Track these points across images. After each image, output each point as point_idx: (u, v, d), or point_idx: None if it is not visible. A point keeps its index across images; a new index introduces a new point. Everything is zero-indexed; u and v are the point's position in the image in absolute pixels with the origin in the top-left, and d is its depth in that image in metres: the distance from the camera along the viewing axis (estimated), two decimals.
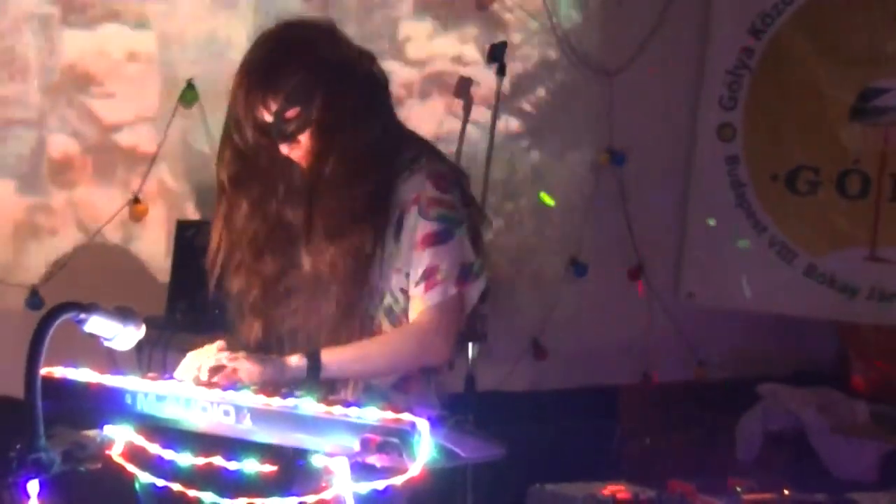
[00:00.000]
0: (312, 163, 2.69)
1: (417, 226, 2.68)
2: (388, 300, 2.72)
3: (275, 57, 2.67)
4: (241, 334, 2.80)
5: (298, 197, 2.71)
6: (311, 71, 2.65)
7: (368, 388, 2.73)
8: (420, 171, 2.71)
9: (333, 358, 2.65)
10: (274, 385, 2.50)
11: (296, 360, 2.64)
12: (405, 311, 2.71)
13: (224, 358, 2.62)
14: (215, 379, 2.56)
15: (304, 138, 2.69)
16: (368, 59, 2.76)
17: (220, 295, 2.83)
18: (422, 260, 2.67)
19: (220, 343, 2.70)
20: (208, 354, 2.66)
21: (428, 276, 2.67)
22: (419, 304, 2.68)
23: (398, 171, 2.72)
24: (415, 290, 2.68)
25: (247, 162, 2.72)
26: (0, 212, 4.58)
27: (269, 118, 2.67)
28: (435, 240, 2.68)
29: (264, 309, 2.77)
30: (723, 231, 6.00)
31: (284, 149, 2.70)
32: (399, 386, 2.75)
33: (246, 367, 2.60)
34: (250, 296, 2.78)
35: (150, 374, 2.40)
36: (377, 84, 2.75)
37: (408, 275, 2.69)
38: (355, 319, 2.70)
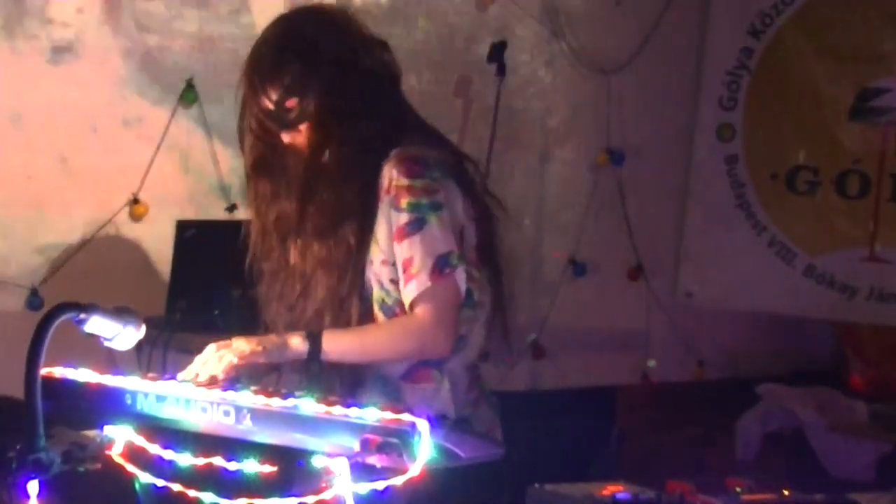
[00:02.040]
0: (308, 156, 2.70)
1: (391, 218, 2.68)
2: (380, 293, 2.73)
3: (277, 47, 2.69)
4: (269, 321, 2.80)
5: (294, 190, 2.73)
6: (309, 64, 2.67)
7: (382, 377, 2.75)
8: (393, 158, 2.68)
9: (334, 342, 2.65)
10: (273, 361, 2.56)
11: (297, 342, 2.64)
12: (398, 303, 2.72)
13: (214, 353, 2.62)
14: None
15: (305, 128, 2.70)
16: (378, 49, 2.76)
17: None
18: (400, 252, 2.67)
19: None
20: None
21: (405, 268, 2.67)
22: (405, 297, 2.68)
23: (382, 163, 2.71)
24: (401, 283, 2.69)
25: (265, 147, 2.74)
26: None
27: (270, 106, 2.69)
28: (407, 231, 2.66)
29: (289, 295, 2.78)
30: (722, 231, 6.00)
31: (286, 137, 2.72)
32: (408, 376, 2.76)
33: (240, 347, 2.60)
34: (278, 282, 2.78)
35: (150, 375, 2.40)
36: (381, 76, 2.74)
37: (394, 265, 2.70)
38: (346, 313, 2.71)
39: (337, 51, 2.69)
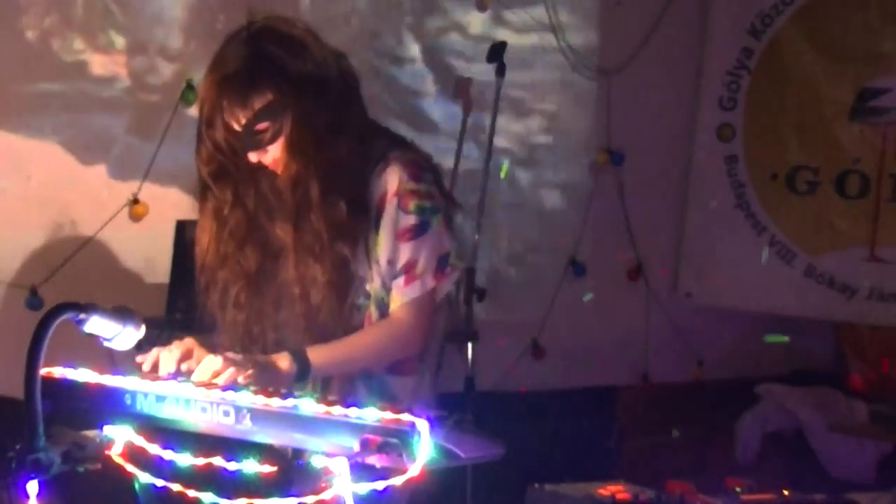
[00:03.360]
0: (293, 183, 2.70)
1: (398, 219, 2.72)
2: (380, 292, 2.76)
3: (246, 73, 2.65)
4: (225, 328, 2.81)
5: (283, 215, 2.73)
6: (281, 91, 2.65)
7: (368, 375, 2.78)
8: (393, 163, 2.74)
9: (320, 358, 2.69)
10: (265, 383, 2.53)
11: (285, 365, 2.66)
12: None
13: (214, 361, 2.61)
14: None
15: (273, 147, 2.70)
16: (339, 61, 2.77)
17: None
18: (402, 252, 2.73)
19: (188, 340, 2.70)
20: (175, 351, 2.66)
21: (407, 269, 2.73)
22: (398, 297, 2.74)
23: (371, 168, 2.75)
24: (394, 281, 2.74)
25: (224, 158, 2.74)
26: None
27: (237, 127, 2.69)
28: (414, 233, 2.73)
29: (247, 302, 2.79)
30: (722, 231, 6.00)
31: (253, 156, 2.72)
32: (394, 369, 2.80)
33: (232, 370, 2.59)
34: (235, 288, 2.80)
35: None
36: (349, 90, 2.76)
37: (390, 262, 2.73)
38: (341, 322, 2.74)
39: (306, 73, 2.68)
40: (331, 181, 2.69)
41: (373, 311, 2.77)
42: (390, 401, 2.65)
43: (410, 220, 2.72)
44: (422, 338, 2.78)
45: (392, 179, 2.73)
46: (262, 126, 2.67)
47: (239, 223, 2.78)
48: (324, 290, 2.71)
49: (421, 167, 2.76)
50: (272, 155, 2.71)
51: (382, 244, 2.73)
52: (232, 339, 2.79)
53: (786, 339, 5.95)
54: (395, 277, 2.73)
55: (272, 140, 2.68)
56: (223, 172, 2.75)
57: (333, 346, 2.72)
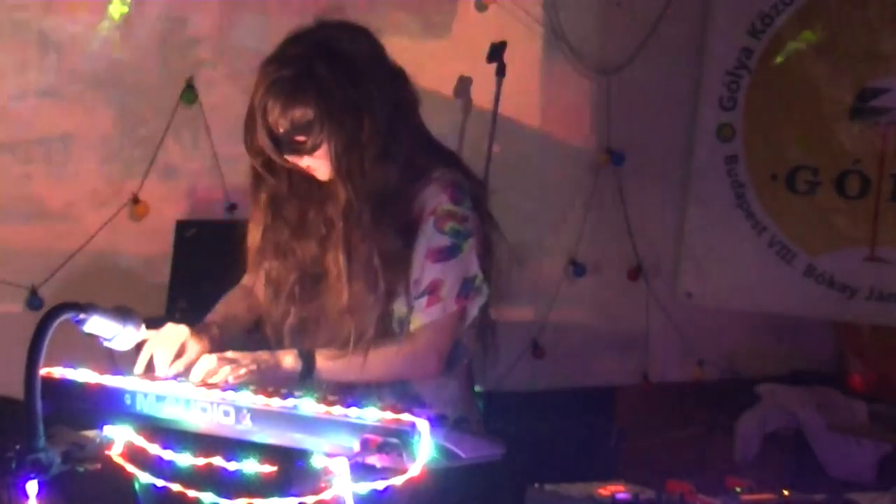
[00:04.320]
0: (343, 213, 2.68)
1: (432, 238, 2.71)
2: (403, 309, 2.74)
3: (292, 84, 2.63)
4: (273, 318, 2.80)
5: (334, 243, 2.72)
6: (321, 116, 2.63)
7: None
8: (437, 182, 2.72)
9: (327, 364, 2.67)
10: (264, 382, 2.52)
11: (290, 362, 2.65)
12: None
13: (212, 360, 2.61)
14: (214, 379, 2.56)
15: (310, 158, 2.69)
16: (396, 81, 2.74)
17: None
18: (428, 273, 2.70)
19: (183, 328, 2.69)
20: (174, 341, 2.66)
21: (432, 290, 2.70)
22: (418, 318, 2.71)
23: (414, 186, 2.73)
24: (417, 301, 2.71)
25: (268, 153, 2.73)
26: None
27: (279, 130, 2.67)
28: (444, 255, 2.71)
29: (299, 295, 2.78)
30: (722, 231, 6.00)
31: (290, 158, 2.70)
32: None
33: (237, 367, 2.59)
34: (288, 280, 2.78)
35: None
36: (401, 114, 2.72)
37: (416, 281, 2.71)
38: (372, 338, 2.72)
39: (352, 102, 2.64)
40: (381, 210, 2.68)
41: (393, 325, 2.75)
42: (413, 400, 2.68)
43: (444, 241, 2.70)
44: (438, 360, 2.73)
45: (431, 199, 2.71)
46: (299, 138, 2.66)
47: (292, 216, 2.77)
48: (371, 316, 2.69)
49: (461, 189, 2.73)
50: (308, 163, 2.70)
51: (413, 262, 2.71)
52: (280, 328, 2.78)
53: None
54: (419, 297, 2.71)
55: (309, 152, 2.67)
56: (274, 166, 2.74)
57: (345, 354, 2.69)
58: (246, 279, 2.96)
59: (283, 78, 2.64)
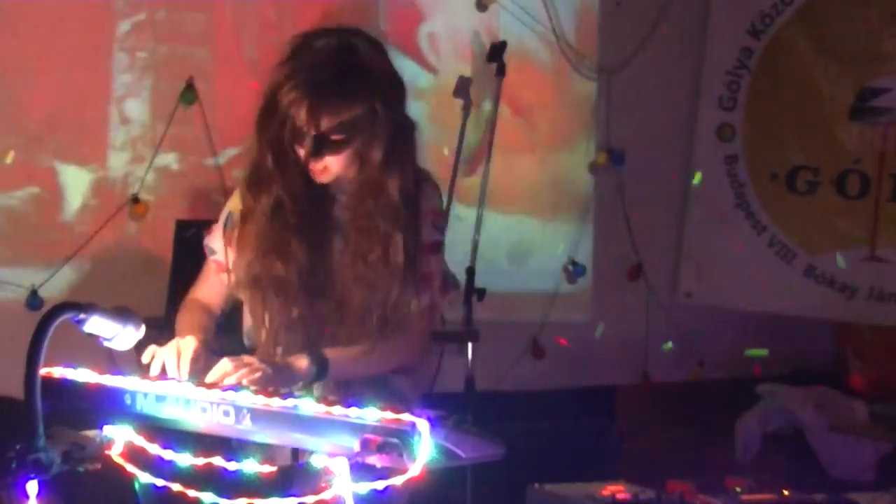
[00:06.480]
0: (356, 207, 2.77)
1: (430, 233, 2.84)
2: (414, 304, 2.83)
3: (347, 84, 2.70)
4: (272, 319, 2.81)
5: (350, 250, 2.78)
6: (373, 107, 2.71)
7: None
8: (430, 185, 2.89)
9: (338, 362, 2.72)
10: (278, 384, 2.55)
11: (304, 364, 2.68)
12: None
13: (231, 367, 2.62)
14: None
15: (331, 159, 2.73)
16: (406, 95, 2.85)
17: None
18: (424, 264, 2.82)
19: (191, 339, 2.70)
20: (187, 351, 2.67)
21: (426, 279, 2.82)
22: (412, 304, 2.80)
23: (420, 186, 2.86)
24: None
25: (282, 150, 2.76)
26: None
27: (310, 130, 2.69)
28: (436, 249, 2.86)
29: (300, 294, 2.80)
30: (722, 231, 6.00)
31: (309, 160, 2.73)
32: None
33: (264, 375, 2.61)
34: (288, 277, 2.80)
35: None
36: (413, 123, 2.85)
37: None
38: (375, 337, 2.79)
39: (396, 102, 2.78)
40: (397, 210, 2.77)
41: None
42: (395, 396, 2.73)
43: (437, 236, 2.87)
44: (424, 346, 2.89)
45: (429, 197, 2.86)
46: (337, 137, 2.69)
47: (290, 219, 2.79)
48: (359, 317, 2.77)
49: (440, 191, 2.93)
50: (325, 164, 2.74)
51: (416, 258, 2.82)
52: (282, 323, 2.80)
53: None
54: (415, 285, 2.81)
55: (337, 151, 2.72)
56: (281, 163, 2.77)
57: (351, 352, 2.75)
58: (201, 292, 2.99)
59: (328, 79, 2.68)
